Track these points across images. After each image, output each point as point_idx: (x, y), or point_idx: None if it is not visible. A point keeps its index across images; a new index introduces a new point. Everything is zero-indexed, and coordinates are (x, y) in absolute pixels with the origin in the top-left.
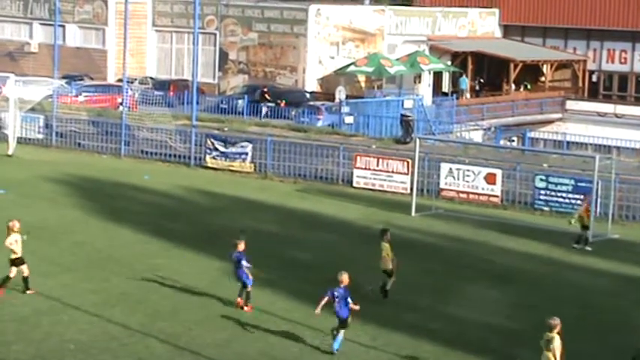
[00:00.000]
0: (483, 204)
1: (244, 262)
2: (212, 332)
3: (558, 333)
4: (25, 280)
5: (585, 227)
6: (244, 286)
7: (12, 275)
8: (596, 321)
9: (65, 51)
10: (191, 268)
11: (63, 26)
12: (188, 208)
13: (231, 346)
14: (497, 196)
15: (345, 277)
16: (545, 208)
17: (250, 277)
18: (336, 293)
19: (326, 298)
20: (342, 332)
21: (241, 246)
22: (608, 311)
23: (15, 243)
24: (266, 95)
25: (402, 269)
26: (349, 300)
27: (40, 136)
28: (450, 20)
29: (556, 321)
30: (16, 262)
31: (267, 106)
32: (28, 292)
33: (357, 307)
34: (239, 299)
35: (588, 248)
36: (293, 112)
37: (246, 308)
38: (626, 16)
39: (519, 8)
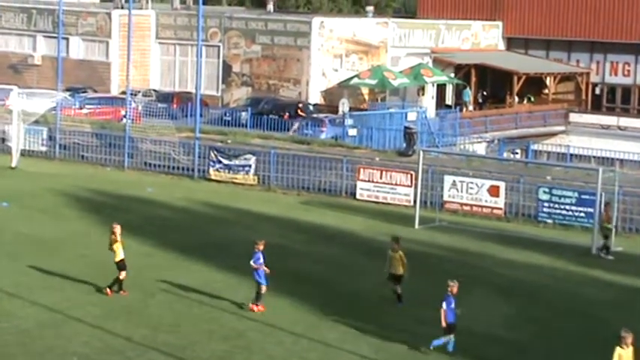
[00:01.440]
0: (487, 216)
1: (253, 261)
2: (214, 344)
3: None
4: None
5: (606, 236)
6: (258, 286)
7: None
8: (599, 333)
9: (68, 63)
10: (194, 280)
11: (66, 39)
12: (191, 220)
13: (233, 357)
14: (500, 209)
15: (454, 287)
16: (549, 221)
17: (264, 277)
18: (450, 300)
19: (443, 310)
20: (450, 337)
21: (260, 246)
22: (612, 323)
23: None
24: (299, 111)
25: (406, 281)
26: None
27: (44, 149)
28: (454, 33)
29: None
30: (120, 265)
31: (299, 122)
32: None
33: (443, 320)
34: (251, 305)
35: (610, 257)
36: (296, 125)
37: (256, 308)
38: (630, 28)
39: (523, 21)
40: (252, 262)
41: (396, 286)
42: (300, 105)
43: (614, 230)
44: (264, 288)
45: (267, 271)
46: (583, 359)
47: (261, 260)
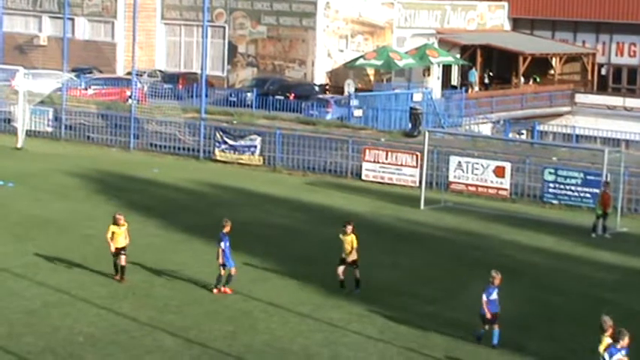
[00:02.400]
0: (492, 197)
1: (222, 244)
2: (220, 325)
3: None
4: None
5: (598, 216)
6: (224, 267)
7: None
8: (606, 314)
9: (74, 44)
10: (199, 261)
11: (72, 19)
12: (197, 201)
13: (238, 338)
14: (506, 190)
15: (497, 277)
16: (554, 201)
17: (231, 259)
18: (490, 291)
19: (484, 300)
20: (493, 327)
21: (227, 228)
22: (618, 304)
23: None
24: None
25: (411, 262)
26: (484, 295)
27: (50, 129)
28: (459, 13)
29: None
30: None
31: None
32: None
33: (487, 310)
34: (223, 288)
35: (598, 236)
36: (302, 105)
37: (223, 288)
38: (636, 9)
39: (529, 1)
40: (222, 246)
41: (356, 271)
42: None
43: (619, 211)
44: (233, 270)
45: (220, 260)
46: (586, 340)
47: (227, 243)
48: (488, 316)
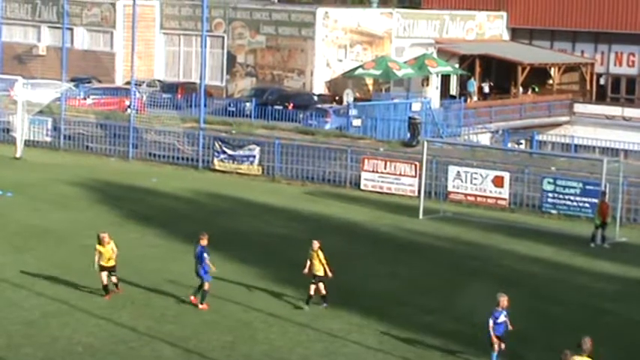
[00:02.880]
0: (491, 207)
1: (206, 256)
2: (218, 335)
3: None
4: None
5: (597, 226)
6: (202, 282)
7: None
8: (604, 324)
9: (73, 54)
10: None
11: (71, 29)
12: (196, 210)
13: (237, 348)
14: (505, 199)
15: (504, 300)
16: (553, 211)
17: (209, 273)
18: (496, 315)
19: (490, 325)
20: (495, 349)
21: (204, 241)
22: (617, 314)
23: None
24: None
25: (410, 272)
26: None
27: (48, 139)
28: (458, 23)
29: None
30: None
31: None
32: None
33: (493, 338)
34: (193, 297)
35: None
36: (301, 115)
37: (201, 306)
38: (635, 19)
39: (527, 11)
40: (206, 259)
41: (319, 285)
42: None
43: (618, 220)
44: (207, 285)
45: (214, 268)
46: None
47: (205, 254)
48: (494, 340)
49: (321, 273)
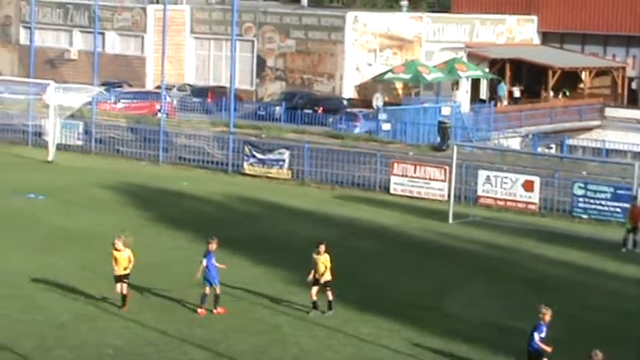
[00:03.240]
0: (521, 211)
1: (204, 261)
2: (248, 339)
3: None
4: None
5: (628, 231)
6: (210, 286)
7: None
8: (635, 329)
9: (104, 58)
10: (228, 274)
11: (102, 33)
12: (226, 214)
13: (267, 352)
14: (535, 204)
15: (548, 313)
16: (584, 216)
17: (218, 273)
18: (542, 328)
19: (537, 338)
20: None
21: (213, 245)
22: None
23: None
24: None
25: (440, 276)
26: (534, 335)
27: (80, 143)
28: (488, 27)
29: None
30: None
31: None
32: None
33: (547, 348)
34: (201, 310)
35: (628, 250)
36: (330, 119)
37: (215, 310)
38: None
39: (558, 15)
40: (215, 264)
41: (327, 292)
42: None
43: None
44: (208, 289)
45: (223, 267)
46: (616, 356)
47: (213, 260)
48: (548, 350)
49: (328, 277)
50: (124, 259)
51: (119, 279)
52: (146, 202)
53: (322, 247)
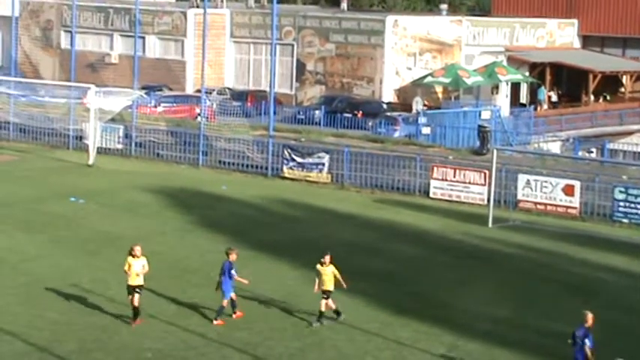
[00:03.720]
0: (561, 216)
1: (234, 273)
2: (287, 342)
3: None
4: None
5: None
6: (224, 296)
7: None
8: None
9: (145, 62)
10: (268, 278)
11: (143, 37)
12: (265, 218)
13: (305, 355)
14: (575, 208)
15: (589, 317)
16: (625, 220)
17: (237, 286)
18: (589, 335)
19: (588, 346)
20: None
21: (233, 256)
22: None
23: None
24: None
25: (480, 280)
26: (585, 342)
27: (120, 146)
28: (529, 31)
29: None
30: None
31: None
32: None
33: (589, 353)
34: (218, 320)
35: None
36: (370, 123)
37: (216, 322)
38: None
39: (599, 19)
40: (234, 274)
41: (328, 300)
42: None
43: None
44: (225, 302)
45: (246, 282)
46: None
47: (234, 271)
48: (593, 358)
49: (331, 288)
50: (139, 267)
51: (132, 289)
52: (186, 206)
53: (327, 258)
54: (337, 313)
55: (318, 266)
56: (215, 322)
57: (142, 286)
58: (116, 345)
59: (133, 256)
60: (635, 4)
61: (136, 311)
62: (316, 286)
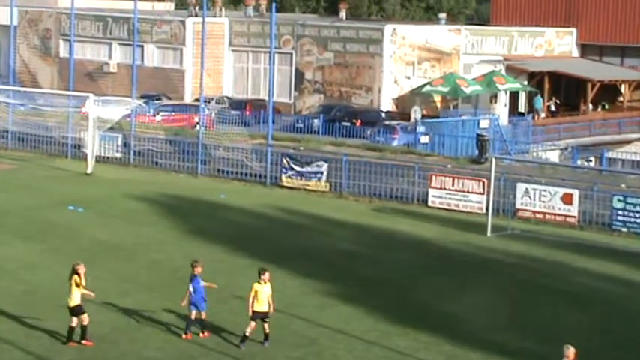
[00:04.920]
0: (560, 224)
1: (202, 284)
2: (286, 351)
3: None
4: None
5: None
6: (197, 310)
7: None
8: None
9: (143, 71)
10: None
11: (141, 46)
12: (264, 227)
13: None
14: (574, 217)
15: (570, 352)
16: (623, 229)
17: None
18: None
19: None
20: None
21: (198, 269)
22: None
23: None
24: None
25: (478, 289)
26: None
27: (119, 155)
28: (527, 40)
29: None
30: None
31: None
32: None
33: None
34: (188, 334)
35: None
36: (369, 132)
37: (184, 335)
38: None
39: (597, 28)
40: (202, 285)
41: (265, 324)
42: None
43: None
44: (194, 313)
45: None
46: None
47: (202, 283)
48: None
49: (266, 309)
50: (80, 288)
51: (76, 311)
52: (184, 215)
53: (267, 275)
54: (267, 337)
55: (257, 283)
56: (184, 335)
57: (80, 306)
58: (115, 354)
59: (79, 275)
60: (634, 13)
61: (85, 330)
62: (250, 308)
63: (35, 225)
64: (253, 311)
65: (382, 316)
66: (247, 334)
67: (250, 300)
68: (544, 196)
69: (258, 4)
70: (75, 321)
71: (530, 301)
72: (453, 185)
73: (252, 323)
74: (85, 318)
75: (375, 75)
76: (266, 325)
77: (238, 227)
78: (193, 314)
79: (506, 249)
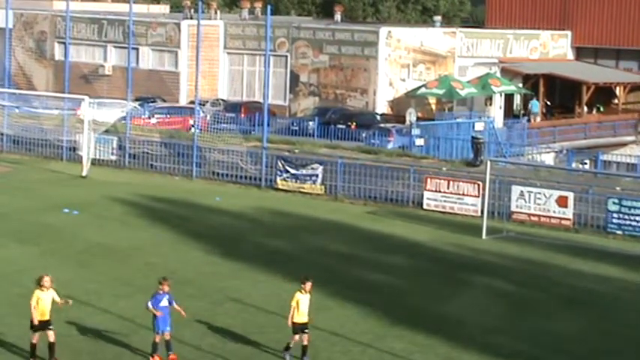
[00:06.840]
0: (555, 227)
1: (174, 305)
2: (282, 353)
3: None
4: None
5: None
6: (162, 333)
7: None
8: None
9: (138, 73)
10: (262, 290)
11: (136, 49)
12: (259, 229)
13: None
14: (569, 219)
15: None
16: (618, 232)
17: (163, 323)
18: None
19: None
20: None
21: (165, 287)
22: None
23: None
24: None
25: (473, 291)
26: None
27: (114, 158)
28: (522, 42)
29: None
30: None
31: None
32: None
33: None
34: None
35: None
36: (364, 135)
37: (171, 356)
38: None
39: (592, 30)
40: (149, 305)
41: (303, 335)
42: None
43: None
44: (157, 337)
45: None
46: None
47: (166, 304)
48: None
49: (306, 319)
50: (49, 300)
51: (41, 327)
52: (179, 217)
53: (309, 286)
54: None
55: (298, 293)
56: (170, 356)
57: (49, 321)
58: (109, 356)
59: (42, 288)
60: (628, 16)
61: (52, 348)
62: (297, 318)
63: (30, 228)
64: (293, 323)
65: (377, 319)
66: (291, 345)
67: (292, 311)
68: (539, 198)
69: (253, 7)
70: (52, 335)
71: (526, 303)
72: (448, 188)
73: (296, 337)
74: (52, 335)
75: (370, 77)
76: (305, 337)
77: (233, 230)
78: (157, 338)
79: (501, 251)
